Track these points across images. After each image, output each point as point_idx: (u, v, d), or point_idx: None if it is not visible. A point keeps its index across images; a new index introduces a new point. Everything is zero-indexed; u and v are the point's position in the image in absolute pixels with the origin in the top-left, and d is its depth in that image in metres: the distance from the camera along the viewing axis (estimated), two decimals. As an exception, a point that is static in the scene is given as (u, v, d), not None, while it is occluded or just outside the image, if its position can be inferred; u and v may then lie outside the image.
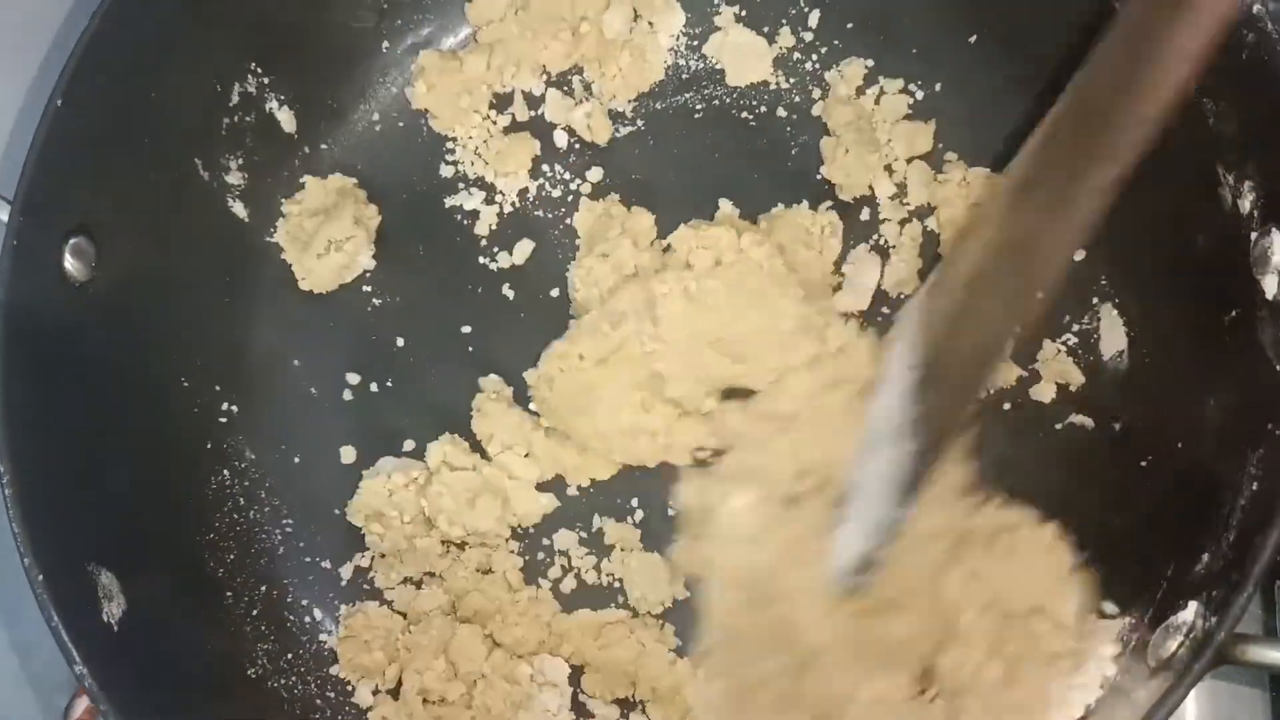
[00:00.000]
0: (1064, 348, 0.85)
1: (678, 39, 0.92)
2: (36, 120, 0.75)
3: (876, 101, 0.90)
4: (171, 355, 0.85)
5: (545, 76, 0.93)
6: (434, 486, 0.84)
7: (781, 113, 0.92)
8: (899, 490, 0.74)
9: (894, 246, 0.88)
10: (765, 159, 0.91)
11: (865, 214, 0.89)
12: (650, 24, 0.92)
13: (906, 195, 0.89)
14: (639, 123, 0.92)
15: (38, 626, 0.68)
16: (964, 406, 0.75)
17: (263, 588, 0.85)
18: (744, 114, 0.92)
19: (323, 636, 0.85)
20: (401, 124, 0.93)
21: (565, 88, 0.92)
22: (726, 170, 0.91)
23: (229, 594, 0.83)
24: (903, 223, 0.89)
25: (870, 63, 0.91)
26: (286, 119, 0.90)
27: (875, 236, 0.89)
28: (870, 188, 0.89)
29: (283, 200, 0.89)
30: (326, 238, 0.88)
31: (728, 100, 0.92)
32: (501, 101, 0.92)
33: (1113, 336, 0.83)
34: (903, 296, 0.87)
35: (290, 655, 0.84)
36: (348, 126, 0.93)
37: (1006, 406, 0.84)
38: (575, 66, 0.92)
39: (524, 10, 0.91)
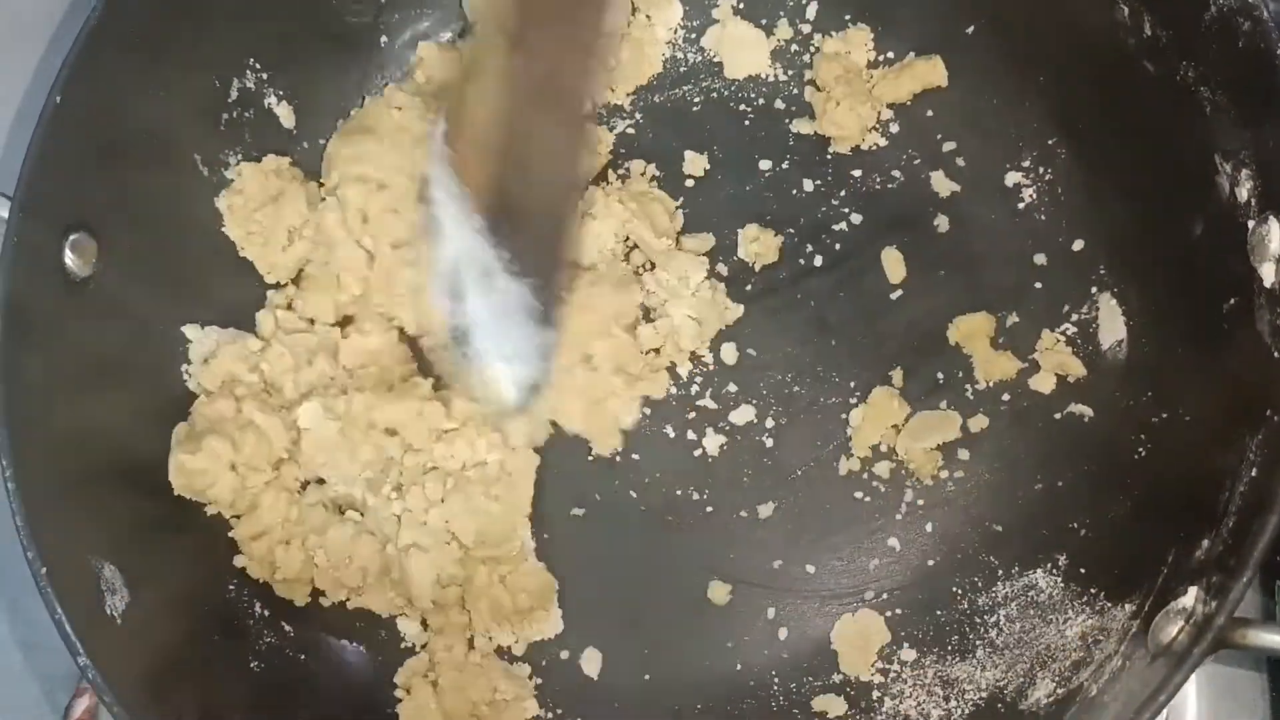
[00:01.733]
0: (1063, 338, 0.85)
1: (675, 32, 0.93)
2: (35, 117, 0.74)
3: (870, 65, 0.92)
4: (174, 349, 0.84)
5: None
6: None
7: (779, 105, 0.92)
8: (534, 319, 0.77)
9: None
10: (764, 150, 0.92)
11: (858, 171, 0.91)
12: (648, 17, 0.92)
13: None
14: (637, 115, 0.92)
15: (42, 625, 0.69)
16: (557, 241, 0.77)
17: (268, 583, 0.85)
18: (742, 106, 0.92)
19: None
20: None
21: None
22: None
23: (231, 586, 0.83)
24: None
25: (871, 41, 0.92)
26: (285, 114, 0.90)
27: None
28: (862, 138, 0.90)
29: (221, 194, 0.87)
30: (285, 228, 0.87)
31: (725, 93, 0.93)
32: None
33: (1112, 326, 0.83)
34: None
35: (290, 650, 0.84)
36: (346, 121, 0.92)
37: (1006, 397, 0.85)
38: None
39: None
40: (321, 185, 0.90)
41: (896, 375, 0.86)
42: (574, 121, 0.74)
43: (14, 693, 0.84)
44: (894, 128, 0.91)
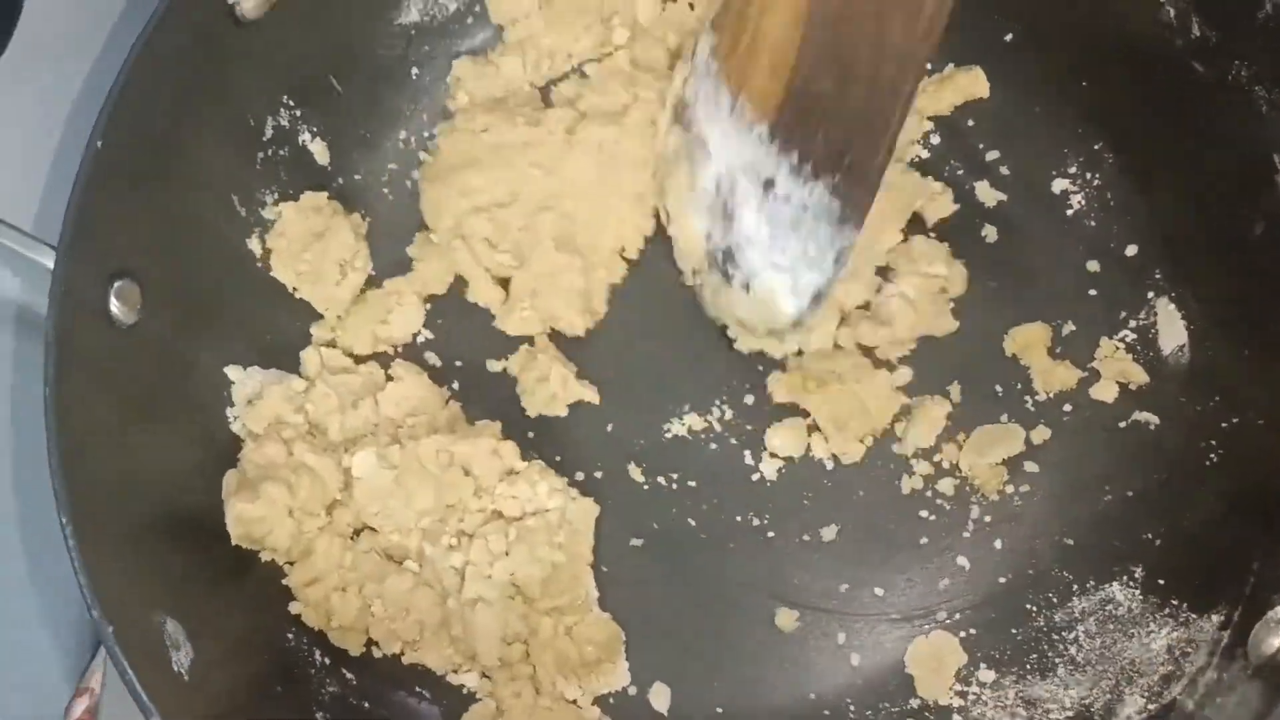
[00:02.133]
0: (1122, 345, 0.84)
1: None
2: (71, 162, 0.73)
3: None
4: (220, 392, 0.83)
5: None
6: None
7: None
8: (830, 220, 0.72)
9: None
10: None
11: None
12: (691, 5, 0.91)
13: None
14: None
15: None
16: (876, 137, 0.70)
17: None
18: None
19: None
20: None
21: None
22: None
23: (290, 635, 0.82)
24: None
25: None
26: (320, 150, 0.89)
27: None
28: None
29: (265, 232, 0.86)
30: (335, 262, 0.86)
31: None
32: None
33: (1172, 331, 0.83)
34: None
35: (353, 698, 0.82)
36: (380, 155, 0.91)
37: (1068, 408, 0.84)
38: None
39: (548, 5, 0.90)
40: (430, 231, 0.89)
41: (954, 389, 0.85)
42: (924, 5, 0.65)
43: (36, 669, 0.83)
44: (935, 139, 0.90)
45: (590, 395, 0.86)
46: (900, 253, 0.86)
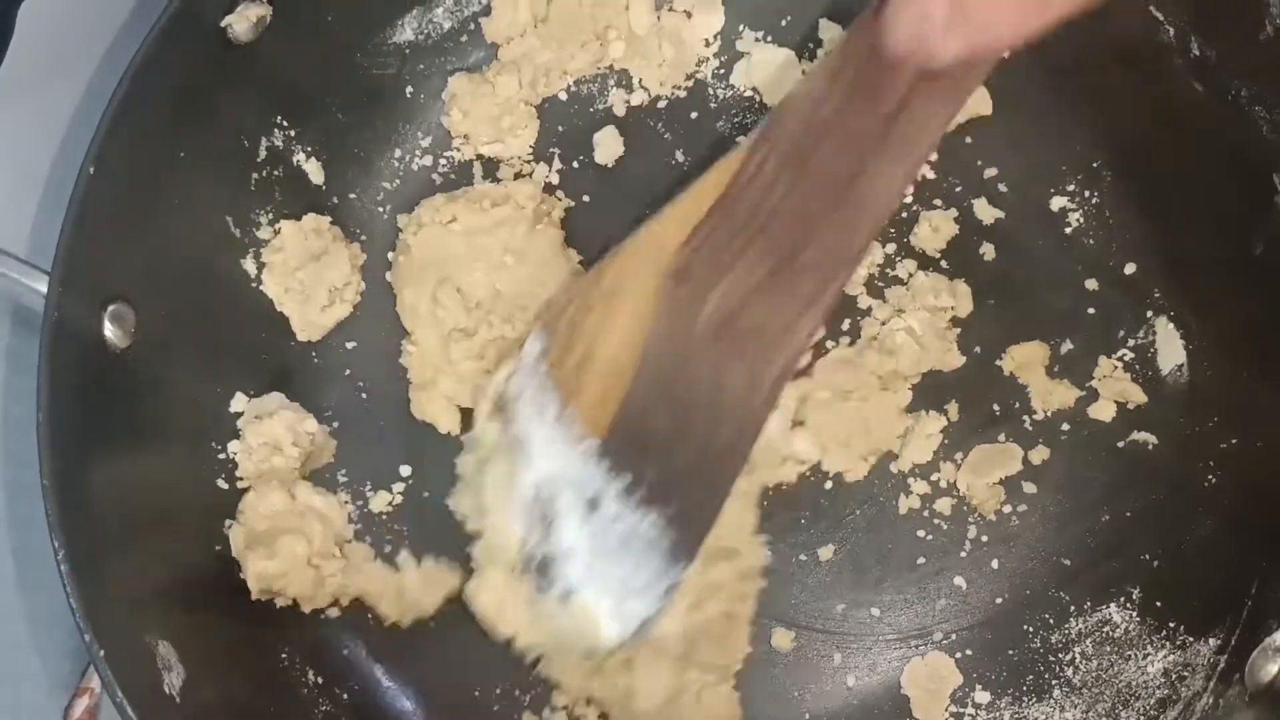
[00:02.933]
0: (1120, 364, 0.83)
1: (709, 45, 0.91)
2: (64, 187, 0.73)
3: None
4: (214, 416, 0.83)
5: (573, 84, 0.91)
6: None
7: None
8: (659, 553, 0.69)
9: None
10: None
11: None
12: (688, 14, 0.90)
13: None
14: (677, 154, 0.90)
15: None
16: (715, 477, 0.67)
17: (318, 647, 0.83)
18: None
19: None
20: (428, 169, 0.91)
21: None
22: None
23: (283, 655, 0.82)
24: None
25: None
26: (314, 170, 0.89)
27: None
28: None
29: (260, 250, 0.86)
30: (327, 287, 0.86)
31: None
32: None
33: (1170, 350, 0.82)
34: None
35: (345, 718, 0.82)
36: (375, 175, 0.91)
37: (1066, 427, 0.83)
38: (609, 69, 0.91)
39: (544, 23, 0.90)
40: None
41: (951, 408, 0.85)
42: (764, 373, 0.64)
43: (35, 669, 0.83)
44: (933, 155, 0.89)
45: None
46: (907, 287, 0.85)
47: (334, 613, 0.83)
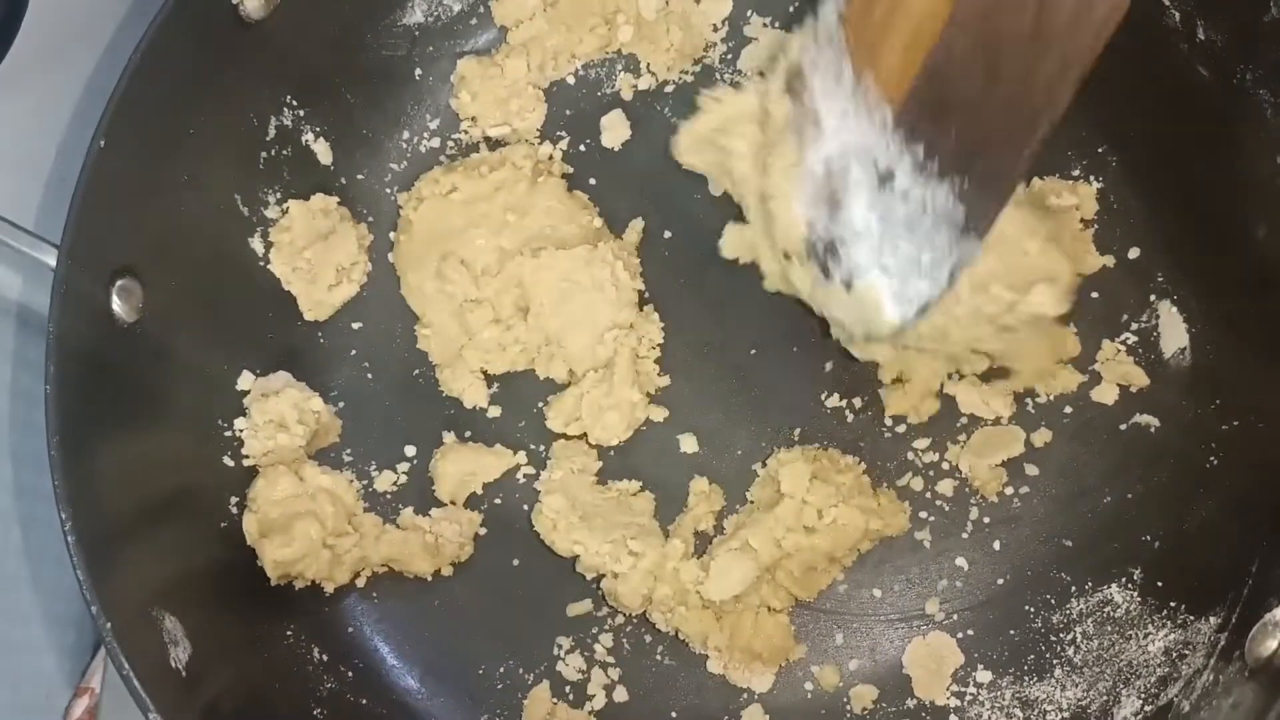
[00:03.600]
0: (1123, 347, 0.83)
1: (717, 30, 0.91)
2: (74, 161, 0.74)
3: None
4: (222, 392, 0.84)
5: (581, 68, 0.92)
6: None
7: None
8: (953, 225, 0.64)
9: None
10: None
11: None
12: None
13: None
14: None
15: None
16: (1017, 140, 0.61)
17: (323, 624, 0.84)
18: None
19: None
20: (436, 151, 0.91)
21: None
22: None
23: (289, 632, 0.82)
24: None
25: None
26: (323, 150, 0.89)
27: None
28: None
29: (268, 230, 0.87)
30: (334, 266, 0.87)
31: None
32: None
33: (1173, 333, 0.82)
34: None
35: (350, 694, 0.83)
36: (383, 155, 0.91)
37: (1068, 410, 0.83)
38: (617, 53, 0.91)
39: (553, 7, 0.90)
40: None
41: (955, 389, 0.85)
42: (1084, 21, 0.57)
43: (35, 668, 0.83)
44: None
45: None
46: None
47: (349, 590, 0.84)
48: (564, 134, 0.91)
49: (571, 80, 0.91)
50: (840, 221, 0.67)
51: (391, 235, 0.89)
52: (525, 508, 0.85)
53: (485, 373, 0.87)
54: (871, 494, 0.82)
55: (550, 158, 0.90)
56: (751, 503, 0.84)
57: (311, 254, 0.86)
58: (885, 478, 0.84)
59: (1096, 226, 0.85)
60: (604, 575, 0.82)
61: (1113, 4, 0.57)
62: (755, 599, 0.81)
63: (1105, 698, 0.77)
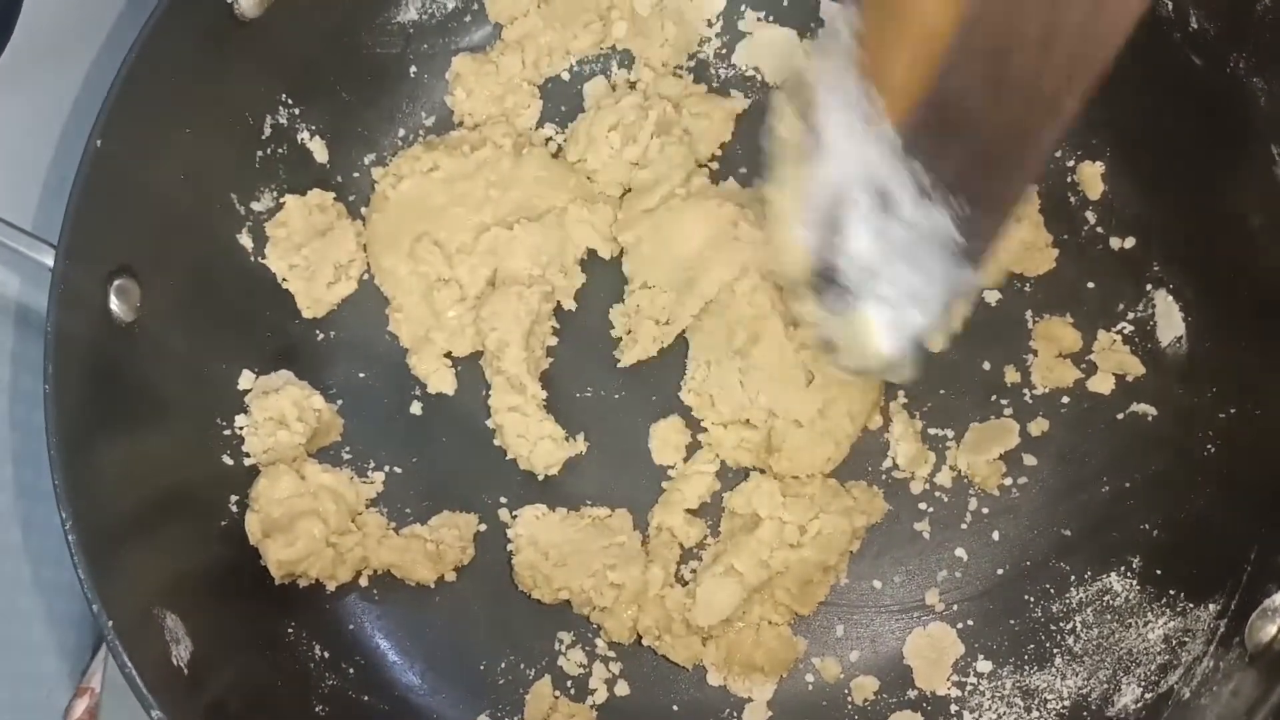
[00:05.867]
0: (1119, 337, 0.84)
1: (712, 25, 0.91)
2: (71, 160, 0.74)
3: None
4: (222, 391, 0.84)
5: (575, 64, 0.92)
6: None
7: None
8: (953, 253, 0.62)
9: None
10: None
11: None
12: None
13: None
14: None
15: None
16: (1016, 167, 0.61)
17: (324, 621, 0.84)
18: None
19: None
20: (431, 148, 0.91)
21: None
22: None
23: (289, 629, 0.82)
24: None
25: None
26: (318, 149, 0.89)
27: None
28: None
29: (265, 225, 0.86)
30: (332, 263, 0.86)
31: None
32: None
33: (1169, 322, 0.83)
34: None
35: (352, 691, 0.83)
36: (379, 153, 0.91)
37: (1065, 400, 0.84)
38: (611, 49, 0.91)
39: (547, 3, 0.91)
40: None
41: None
42: (1101, 12, 0.55)
43: (35, 668, 0.83)
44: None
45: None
46: None
47: (350, 587, 0.84)
48: (559, 129, 0.91)
49: (566, 76, 0.92)
50: (838, 246, 0.66)
51: (364, 211, 0.89)
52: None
53: (451, 356, 0.87)
54: (843, 492, 0.82)
55: (532, 129, 0.90)
56: (722, 532, 0.83)
57: (309, 251, 0.86)
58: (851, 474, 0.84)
59: (1094, 214, 0.85)
60: (593, 609, 0.82)
61: (1119, 14, 0.55)
62: (755, 616, 0.81)
63: (1106, 686, 0.77)
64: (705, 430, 0.84)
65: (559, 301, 0.87)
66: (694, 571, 0.83)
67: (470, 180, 0.87)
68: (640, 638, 0.82)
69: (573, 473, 0.85)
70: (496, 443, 0.85)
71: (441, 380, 0.86)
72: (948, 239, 0.62)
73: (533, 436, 0.84)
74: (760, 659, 0.81)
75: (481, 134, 0.89)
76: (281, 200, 0.87)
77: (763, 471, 0.83)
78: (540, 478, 0.85)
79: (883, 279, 0.65)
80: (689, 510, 0.83)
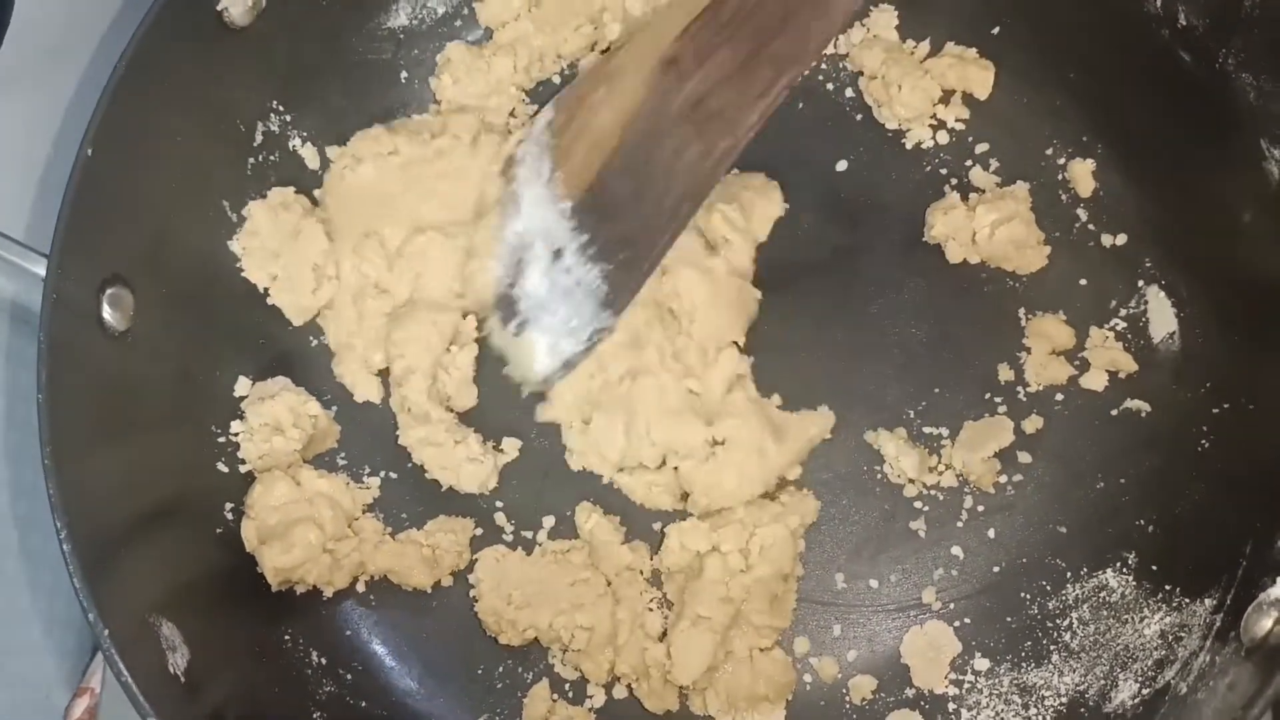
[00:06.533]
0: (1112, 333, 0.84)
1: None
2: (62, 170, 0.74)
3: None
4: (215, 399, 0.84)
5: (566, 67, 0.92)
6: None
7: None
8: (597, 301, 0.79)
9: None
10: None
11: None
12: None
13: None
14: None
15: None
16: (652, 243, 0.78)
17: (321, 627, 0.84)
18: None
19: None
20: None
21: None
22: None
23: (286, 636, 0.82)
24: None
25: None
26: (310, 155, 0.89)
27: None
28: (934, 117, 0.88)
29: (233, 239, 0.86)
30: (308, 266, 0.85)
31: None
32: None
33: (1162, 319, 0.83)
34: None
35: (350, 697, 0.83)
36: (370, 159, 0.91)
37: (1059, 397, 0.84)
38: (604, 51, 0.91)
39: (537, 7, 0.90)
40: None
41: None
42: (717, 146, 0.75)
43: (35, 669, 0.83)
44: (923, 131, 0.90)
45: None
46: None
47: (346, 593, 0.84)
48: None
49: (558, 80, 0.92)
50: (519, 282, 0.81)
51: (316, 193, 0.88)
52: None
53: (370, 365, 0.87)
54: (768, 503, 0.82)
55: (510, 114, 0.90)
56: (669, 593, 0.84)
57: (285, 261, 0.85)
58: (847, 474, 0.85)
59: (1085, 212, 0.85)
60: (565, 650, 0.82)
61: (723, 153, 0.76)
62: (741, 649, 0.81)
63: (1103, 682, 0.77)
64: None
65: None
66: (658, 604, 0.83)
67: (426, 166, 0.87)
68: (619, 678, 0.82)
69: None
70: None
71: (367, 388, 0.87)
72: (596, 289, 0.78)
73: (454, 463, 0.84)
74: (763, 689, 0.80)
75: (443, 122, 0.88)
76: (248, 209, 0.86)
77: (685, 516, 0.83)
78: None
79: (548, 313, 0.80)
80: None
